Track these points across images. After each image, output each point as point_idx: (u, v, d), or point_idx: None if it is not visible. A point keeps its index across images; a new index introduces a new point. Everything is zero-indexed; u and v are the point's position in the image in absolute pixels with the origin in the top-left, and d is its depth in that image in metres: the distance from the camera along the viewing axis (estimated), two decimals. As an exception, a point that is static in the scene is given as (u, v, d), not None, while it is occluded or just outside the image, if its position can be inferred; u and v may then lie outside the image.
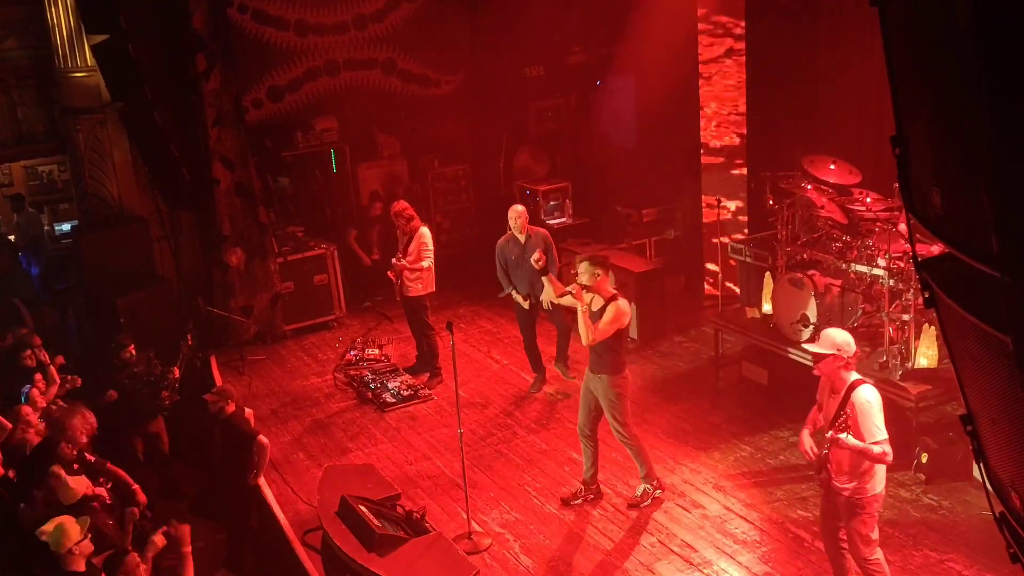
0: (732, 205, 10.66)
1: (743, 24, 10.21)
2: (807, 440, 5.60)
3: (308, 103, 12.39)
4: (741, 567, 6.43)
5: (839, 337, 5.46)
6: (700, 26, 10.55)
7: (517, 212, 9.00)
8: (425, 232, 9.50)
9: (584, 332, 6.76)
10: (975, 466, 2.62)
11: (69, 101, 10.90)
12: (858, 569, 5.71)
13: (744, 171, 10.53)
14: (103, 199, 11.03)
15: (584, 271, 6.84)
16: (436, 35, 12.90)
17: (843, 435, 5.24)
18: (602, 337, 6.77)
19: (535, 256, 7.37)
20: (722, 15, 10.34)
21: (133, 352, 8.17)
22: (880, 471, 5.44)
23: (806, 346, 5.89)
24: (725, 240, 10.36)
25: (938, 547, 6.43)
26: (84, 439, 6.62)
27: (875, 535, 5.57)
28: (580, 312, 6.78)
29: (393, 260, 9.51)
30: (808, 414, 5.78)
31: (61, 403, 7.41)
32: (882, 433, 5.28)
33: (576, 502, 7.33)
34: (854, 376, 5.44)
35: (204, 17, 10.12)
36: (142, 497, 6.56)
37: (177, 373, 8.28)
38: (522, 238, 8.94)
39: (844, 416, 5.27)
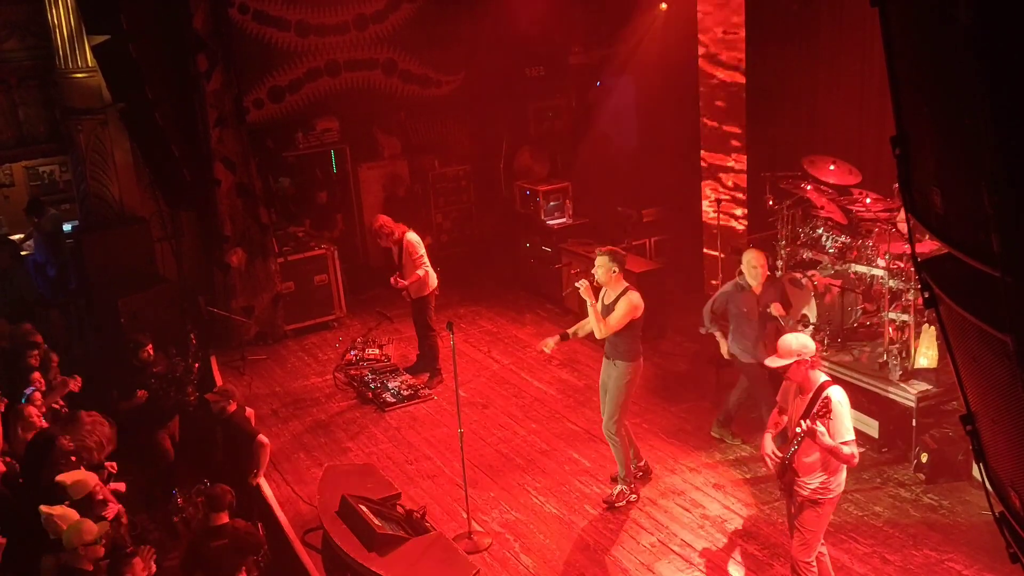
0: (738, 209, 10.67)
1: (743, 23, 10.19)
2: (769, 444, 5.56)
3: (309, 103, 12.40)
4: (741, 567, 6.44)
5: (795, 342, 5.43)
6: (700, 26, 10.55)
7: (760, 261, 7.45)
8: (411, 239, 9.44)
9: (596, 326, 6.98)
10: (975, 466, 2.63)
11: (70, 102, 10.88)
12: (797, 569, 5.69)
13: (744, 178, 10.52)
14: (104, 200, 11.02)
15: (601, 264, 7.00)
16: (436, 35, 12.91)
17: (819, 427, 5.15)
18: (615, 329, 6.97)
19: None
20: (722, 14, 10.34)
21: (151, 352, 8.17)
22: (843, 472, 5.42)
23: (768, 362, 5.66)
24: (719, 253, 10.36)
25: (938, 547, 6.44)
26: (101, 456, 6.58)
27: (819, 542, 5.54)
28: (590, 307, 6.95)
29: (391, 280, 9.51)
30: (769, 417, 5.76)
31: (63, 403, 7.40)
32: (851, 434, 5.25)
33: (620, 504, 7.22)
34: (822, 376, 5.42)
35: (205, 17, 10.12)
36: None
37: (195, 368, 8.31)
38: (758, 290, 7.52)
39: (821, 406, 5.17)
